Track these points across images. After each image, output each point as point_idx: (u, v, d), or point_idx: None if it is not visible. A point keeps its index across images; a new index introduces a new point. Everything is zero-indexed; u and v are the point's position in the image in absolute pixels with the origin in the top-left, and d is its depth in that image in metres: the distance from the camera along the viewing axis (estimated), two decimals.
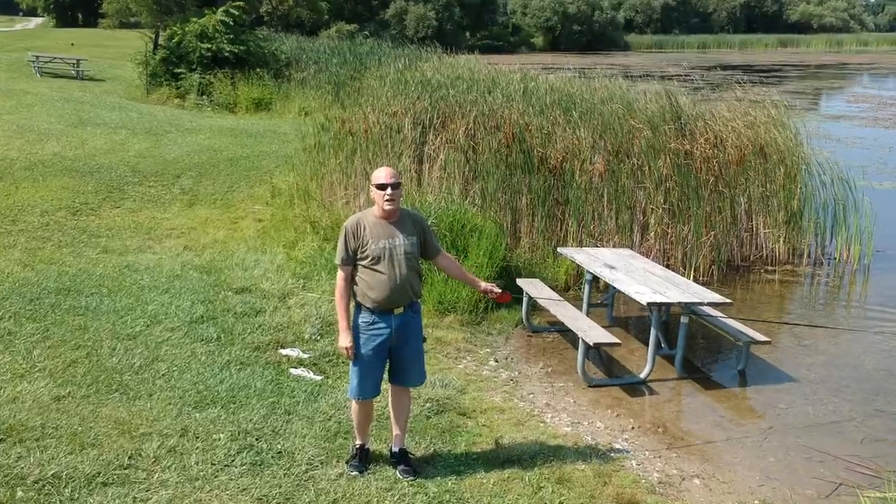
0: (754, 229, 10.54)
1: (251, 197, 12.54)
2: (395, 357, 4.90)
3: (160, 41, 27.09)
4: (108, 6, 33.01)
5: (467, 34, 67.32)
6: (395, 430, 5.10)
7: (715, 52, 77.07)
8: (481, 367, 6.94)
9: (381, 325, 4.77)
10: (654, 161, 9.83)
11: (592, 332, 6.69)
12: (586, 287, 8.11)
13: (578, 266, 8.64)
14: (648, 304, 6.58)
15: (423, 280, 5.06)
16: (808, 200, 11.01)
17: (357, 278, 4.78)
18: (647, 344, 7.18)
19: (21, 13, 78.08)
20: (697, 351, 7.78)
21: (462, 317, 7.81)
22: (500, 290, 5.20)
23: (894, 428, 6.21)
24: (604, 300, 8.48)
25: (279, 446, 5.16)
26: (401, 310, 4.81)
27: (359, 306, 4.83)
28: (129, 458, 4.89)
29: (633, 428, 6.05)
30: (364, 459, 5.02)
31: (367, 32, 30.02)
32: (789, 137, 11.23)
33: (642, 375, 6.88)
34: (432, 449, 5.32)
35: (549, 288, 8.03)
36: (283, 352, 6.76)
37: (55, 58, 29.70)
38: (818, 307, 9.32)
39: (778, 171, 10.66)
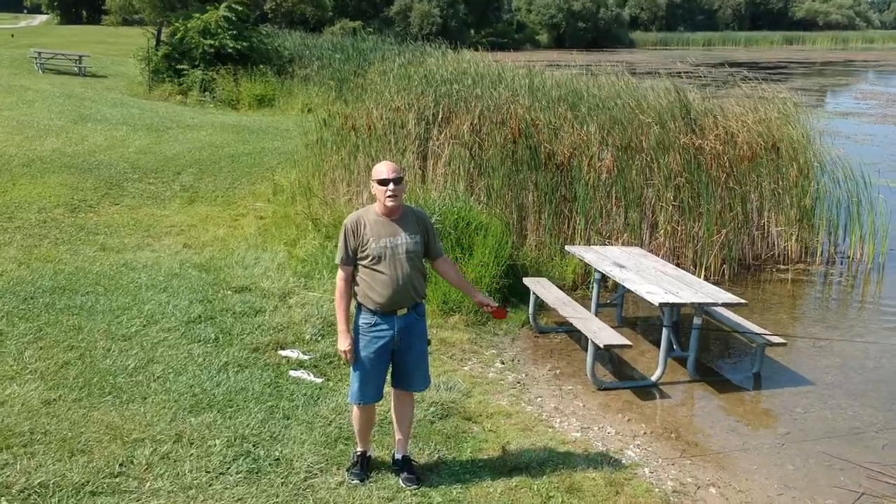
0: (766, 227, 10.31)
1: (252, 194, 12.34)
2: (397, 360, 4.68)
3: (163, 37, 26.90)
4: (112, 3, 32.80)
5: (472, 31, 67.07)
6: (398, 436, 4.89)
7: (720, 50, 76.71)
8: (487, 370, 6.73)
9: (384, 327, 4.56)
10: (663, 157, 9.59)
11: (602, 333, 6.47)
12: (595, 286, 7.89)
13: (586, 265, 8.44)
14: (661, 304, 6.36)
15: (427, 280, 4.82)
16: (821, 198, 10.77)
17: (358, 278, 4.56)
18: (657, 345, 6.97)
19: (25, 10, 78.11)
20: (710, 353, 7.56)
21: (467, 317, 7.59)
22: (496, 305, 4.93)
23: None
24: (613, 300, 8.26)
25: (277, 453, 4.96)
26: (404, 311, 4.59)
27: (360, 307, 4.62)
28: (121, 465, 4.69)
29: (644, 433, 5.82)
30: (365, 467, 4.81)
31: (371, 29, 29.78)
32: (801, 133, 11.00)
33: (654, 378, 6.66)
34: (436, 456, 5.10)
35: (556, 287, 7.81)
36: (283, 353, 6.55)
37: (57, 54, 29.54)
38: (832, 307, 9.07)
39: (790, 168, 10.41)
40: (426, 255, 4.70)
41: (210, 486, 4.57)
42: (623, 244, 9.23)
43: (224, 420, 5.31)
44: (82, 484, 4.46)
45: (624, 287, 7.16)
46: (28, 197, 11.08)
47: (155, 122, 17.89)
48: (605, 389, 6.53)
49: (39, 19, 70.89)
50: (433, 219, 7.74)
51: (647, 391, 6.59)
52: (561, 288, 7.99)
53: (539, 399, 6.25)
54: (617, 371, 7.08)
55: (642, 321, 8.34)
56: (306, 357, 6.50)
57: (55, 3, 70.48)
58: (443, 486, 4.75)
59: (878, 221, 10.57)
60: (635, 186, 9.52)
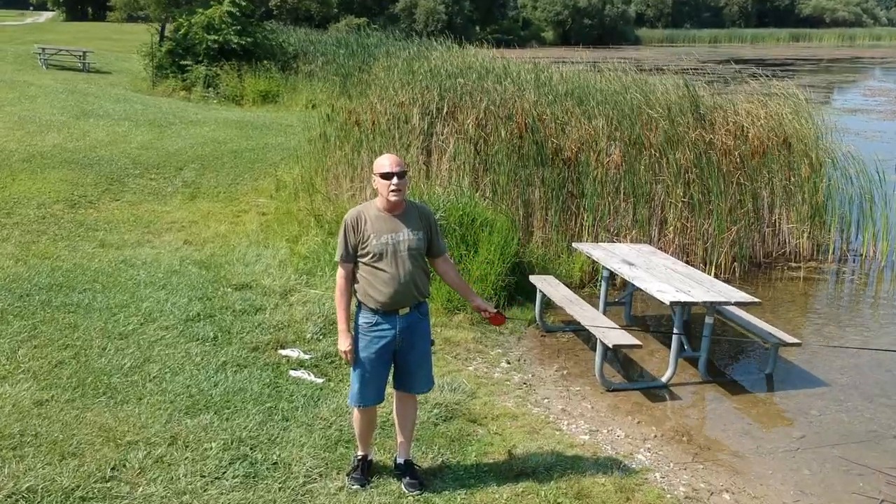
0: (777, 224, 10.11)
1: (255, 190, 12.18)
2: (399, 361, 4.50)
3: (166, 33, 26.76)
4: None
5: (477, 28, 66.79)
6: (400, 439, 4.71)
7: (726, 47, 76.35)
8: (492, 370, 6.55)
9: (385, 326, 4.38)
10: (672, 152, 9.40)
11: (611, 332, 6.28)
12: (603, 284, 7.71)
13: (594, 262, 8.25)
14: (672, 303, 6.17)
15: (430, 278, 4.64)
16: (833, 194, 10.57)
17: (358, 276, 4.39)
18: (667, 345, 6.79)
19: (31, 7, 78.12)
20: (722, 353, 7.37)
21: (472, 315, 7.39)
22: (494, 311, 4.72)
23: None
24: (621, 298, 8.07)
25: (275, 456, 4.78)
26: (406, 310, 4.41)
27: (360, 306, 4.44)
28: (113, 469, 4.52)
29: (655, 436, 5.64)
30: (366, 471, 4.64)
31: (376, 26, 29.62)
32: (812, 129, 10.79)
33: (664, 379, 6.48)
34: (440, 460, 4.93)
35: (563, 285, 7.62)
36: (283, 352, 6.38)
37: (61, 50, 29.43)
38: (845, 306, 8.87)
39: (802, 164, 10.21)
40: (428, 252, 4.51)
41: (205, 491, 4.40)
42: (631, 241, 9.04)
43: (221, 422, 5.14)
44: (72, 489, 4.29)
45: (633, 285, 6.97)
46: (27, 192, 10.93)
47: (158, 117, 17.73)
48: (614, 391, 6.35)
49: (45, 16, 70.87)
50: (437, 215, 7.57)
51: (657, 393, 6.41)
52: (568, 286, 7.80)
53: (546, 400, 6.07)
54: (626, 372, 6.90)
55: (652, 320, 8.16)
56: (307, 356, 6.33)
57: (60, 0, 70.41)
58: (446, 492, 4.58)
59: (892, 218, 10.36)
60: (644, 182, 9.33)
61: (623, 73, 12.25)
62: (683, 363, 6.76)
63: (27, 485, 4.27)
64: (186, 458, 4.69)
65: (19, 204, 10.40)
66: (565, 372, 6.70)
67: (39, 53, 28.42)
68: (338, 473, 4.67)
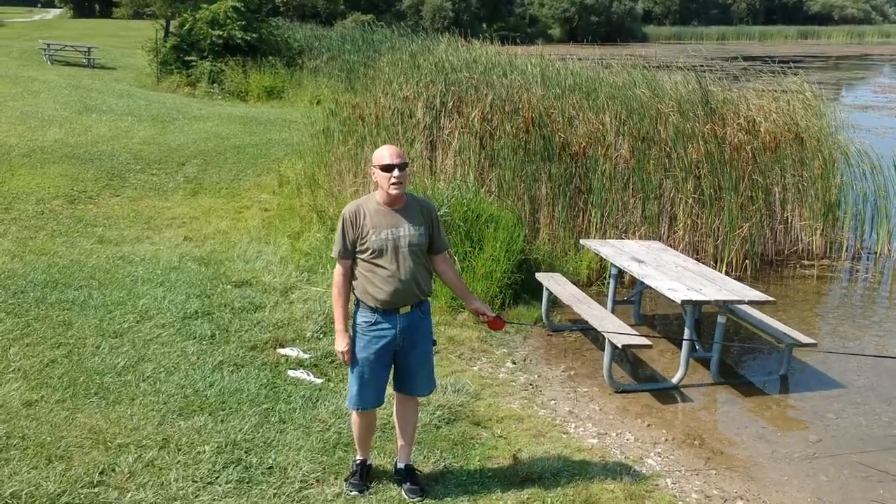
0: (789, 221, 9.88)
1: (258, 186, 12.01)
2: (400, 362, 4.31)
3: (171, 29, 26.60)
4: None
5: (484, 25, 66.51)
6: (401, 443, 4.52)
7: (734, 44, 75.78)
8: (497, 370, 6.35)
9: (385, 325, 4.18)
10: (682, 147, 9.18)
11: (620, 332, 6.07)
12: (611, 282, 7.51)
13: (602, 260, 8.05)
14: (683, 302, 5.96)
15: (432, 275, 4.44)
16: (846, 191, 10.34)
17: (357, 273, 4.19)
18: (678, 345, 6.59)
19: (39, 4, 78.15)
20: (734, 354, 7.16)
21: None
22: (493, 314, 4.47)
23: None
24: (630, 297, 7.86)
25: (271, 460, 4.60)
26: (407, 309, 4.21)
27: (359, 304, 4.24)
28: (101, 473, 4.34)
29: (666, 440, 5.44)
30: (365, 477, 4.45)
31: (382, 23, 29.45)
32: (825, 124, 10.56)
33: (675, 380, 6.27)
34: (442, 464, 4.74)
35: (570, 283, 7.42)
36: (282, 351, 6.20)
37: (66, 46, 29.30)
38: (859, 305, 8.64)
39: (814, 160, 9.98)
40: (429, 248, 4.30)
41: (196, 496, 4.21)
42: (640, 238, 8.84)
43: (215, 424, 4.96)
44: (58, 494, 4.12)
45: (642, 283, 6.77)
46: (27, 188, 10.78)
47: (161, 112, 17.58)
48: (622, 392, 6.15)
49: (53, 13, 70.82)
50: (441, 211, 7.39)
51: (667, 394, 6.20)
52: (575, 284, 7.60)
53: (553, 402, 5.87)
54: (635, 372, 6.69)
55: (662, 319, 7.96)
56: (306, 356, 6.15)
57: None
58: (448, 499, 4.39)
59: None
60: (653, 178, 9.11)
61: (632, 68, 12.03)
62: (695, 364, 6.56)
63: (10, 490, 4.10)
64: (178, 461, 4.51)
65: (18, 199, 10.25)
66: (572, 372, 6.50)
67: (44, 49, 28.30)
68: (335, 479, 4.48)
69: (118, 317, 6.64)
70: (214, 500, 4.21)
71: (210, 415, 5.07)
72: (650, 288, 6.58)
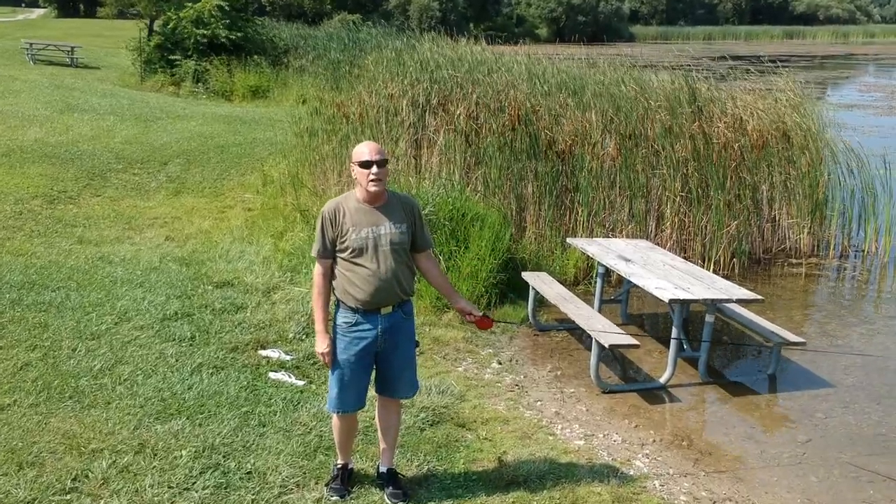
0: (777, 220, 9.83)
1: (241, 185, 11.88)
2: (382, 364, 4.20)
3: (155, 27, 26.38)
4: None
5: (471, 25, 66.47)
6: (383, 447, 4.41)
7: (721, 44, 75.88)
8: (483, 371, 6.25)
9: (366, 326, 4.07)
10: (670, 145, 9.10)
11: (607, 331, 5.99)
12: (598, 281, 7.42)
13: (589, 259, 7.97)
14: (671, 301, 5.88)
15: (415, 275, 4.33)
16: (834, 189, 10.30)
17: (337, 272, 4.08)
18: (665, 344, 6.51)
19: (23, 4, 77.50)
20: (722, 353, 7.08)
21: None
22: (480, 313, 4.34)
23: None
24: (617, 296, 7.78)
25: (249, 465, 4.48)
26: (389, 309, 4.10)
27: (339, 304, 4.13)
28: (74, 479, 4.21)
29: (653, 441, 5.35)
30: (346, 481, 4.33)
31: (370, 23, 29.30)
32: (812, 122, 10.52)
33: (662, 380, 6.19)
34: (426, 468, 4.63)
35: (557, 282, 7.33)
36: (263, 353, 6.08)
37: (49, 45, 29.01)
38: (847, 303, 8.59)
39: (801, 157, 9.93)
40: (412, 246, 4.19)
41: (172, 503, 4.09)
42: (628, 236, 8.75)
43: (193, 428, 4.83)
44: (29, 502, 3.99)
45: (630, 282, 6.69)
46: (5, 188, 10.59)
47: (144, 112, 17.41)
48: (610, 392, 6.06)
49: (37, 13, 70.20)
50: (426, 210, 7.29)
51: (655, 394, 6.12)
52: (562, 283, 7.51)
53: (539, 403, 5.77)
54: (623, 372, 6.61)
55: (649, 318, 7.88)
56: (288, 357, 6.03)
57: None
58: (432, 503, 4.29)
59: (894, 213, 10.09)
60: (641, 176, 9.04)
61: (619, 66, 11.96)
62: (682, 363, 6.48)
63: None
64: (154, 466, 4.38)
65: None
66: (559, 373, 6.40)
67: (27, 49, 28.01)
68: (316, 483, 4.37)
69: (96, 318, 6.50)
70: None
71: (188, 418, 4.95)
72: (637, 287, 6.50)
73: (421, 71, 10.76)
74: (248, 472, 4.41)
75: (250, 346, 6.19)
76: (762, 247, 9.65)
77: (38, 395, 5.13)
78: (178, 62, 23.51)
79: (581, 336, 6.99)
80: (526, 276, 7.40)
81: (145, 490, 4.17)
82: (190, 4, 23.57)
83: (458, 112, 9.28)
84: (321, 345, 4.09)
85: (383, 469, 4.40)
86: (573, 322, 6.44)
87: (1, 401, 5.01)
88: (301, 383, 5.63)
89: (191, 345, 6.12)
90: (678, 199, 9.01)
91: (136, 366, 5.67)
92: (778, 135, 9.79)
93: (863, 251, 10.10)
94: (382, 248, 4.00)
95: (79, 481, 4.21)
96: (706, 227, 9.05)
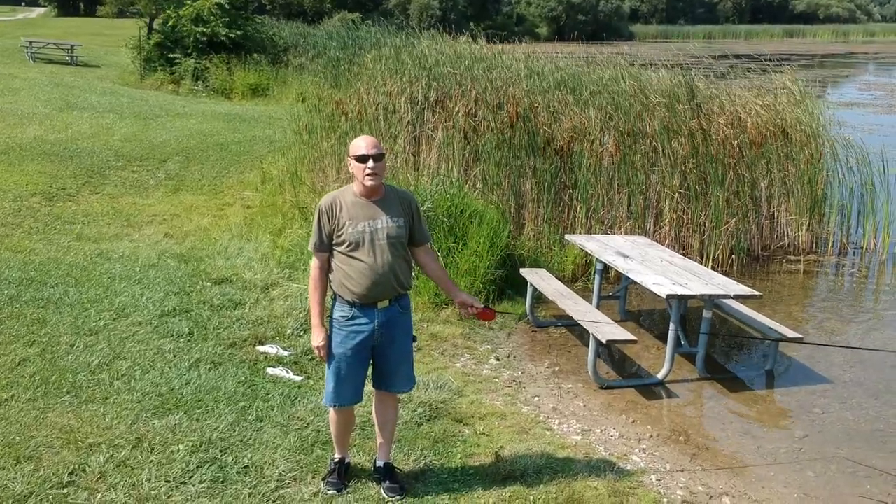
0: (776, 216, 9.83)
1: (241, 182, 11.88)
2: (378, 358, 4.20)
3: (155, 26, 26.38)
4: None
5: (471, 24, 66.49)
6: (380, 441, 4.41)
7: (721, 43, 75.89)
8: (481, 366, 6.26)
9: (362, 320, 4.08)
10: (669, 142, 9.10)
11: (605, 327, 5.99)
12: (597, 278, 7.42)
13: (587, 255, 7.97)
14: (668, 296, 5.88)
15: (413, 269, 4.34)
16: (833, 186, 10.30)
17: (333, 266, 4.08)
18: (663, 341, 6.51)
19: (24, 3, 77.51)
20: (720, 348, 7.08)
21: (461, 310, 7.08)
22: (481, 305, 4.34)
23: None
24: (615, 292, 7.78)
25: (246, 459, 4.49)
26: (385, 303, 4.11)
27: (336, 298, 4.14)
28: (71, 473, 4.22)
29: (651, 436, 5.35)
30: (343, 475, 4.34)
31: (370, 22, 29.29)
32: (812, 118, 10.52)
33: (660, 376, 6.19)
34: (423, 462, 4.64)
35: (555, 278, 7.33)
36: (261, 349, 6.09)
37: (49, 43, 29.02)
38: (846, 300, 8.58)
39: (801, 154, 9.93)
40: (410, 241, 4.20)
41: (169, 497, 4.10)
42: (626, 233, 8.75)
43: (190, 422, 4.84)
44: (25, 496, 3.99)
45: (628, 278, 6.69)
46: (3, 185, 10.60)
47: (144, 110, 17.42)
48: (607, 388, 6.06)
49: (37, 11, 70.19)
50: (424, 206, 7.29)
51: (652, 390, 6.12)
52: (560, 279, 7.52)
53: (536, 399, 5.78)
54: (620, 368, 6.61)
55: (647, 315, 7.88)
56: (286, 353, 6.03)
57: None
58: (429, 497, 4.30)
59: (893, 210, 10.09)
60: (639, 173, 9.04)
61: (617, 65, 11.95)
62: (680, 359, 6.49)
63: None
64: (151, 461, 4.39)
65: None
66: (557, 369, 6.41)
67: (27, 47, 28.02)
68: (313, 477, 4.37)
69: (94, 314, 6.50)
70: (188, 500, 4.09)
71: (185, 413, 4.95)
72: (636, 283, 6.51)
73: (419, 68, 10.75)
74: (245, 467, 4.42)
75: (248, 341, 6.20)
76: (761, 244, 9.66)
77: (36, 391, 5.14)
78: (177, 60, 23.50)
79: (579, 332, 6.99)
80: (524, 272, 7.41)
81: (142, 484, 4.17)
82: (189, 3, 23.57)
83: (457, 109, 9.28)
84: (316, 338, 4.10)
85: (380, 463, 4.40)
86: (571, 318, 6.44)
87: None
88: (299, 379, 5.63)
89: (189, 340, 6.12)
90: (677, 195, 9.01)
91: (133, 361, 5.67)
92: (777, 131, 9.79)
93: (861, 248, 10.10)
94: (379, 241, 4.01)
95: (76, 475, 4.22)
96: (705, 223, 9.06)
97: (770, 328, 6.44)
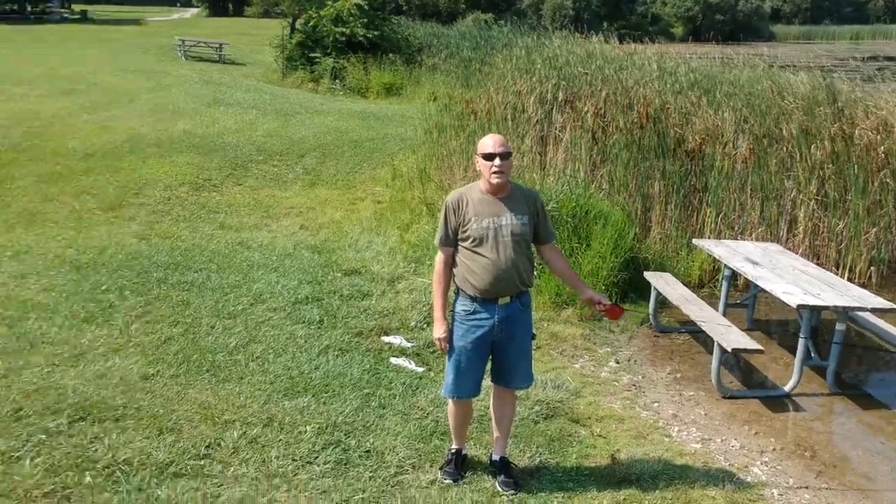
0: None
1: (372, 178, 12.23)
2: (498, 353, 4.29)
3: (297, 26, 27.44)
4: None
5: (605, 24, 65.63)
6: (497, 435, 4.51)
7: (869, 44, 71.71)
8: (600, 369, 6.25)
9: (483, 315, 4.18)
10: (807, 147, 8.76)
11: (731, 335, 5.86)
12: (724, 284, 7.26)
13: (715, 261, 7.80)
14: (799, 306, 5.70)
15: (535, 267, 4.40)
16: None
17: (458, 260, 4.21)
18: (792, 352, 6.30)
19: (178, 3, 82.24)
20: (853, 363, 6.78)
21: (582, 311, 7.10)
22: (609, 303, 4.34)
23: None
24: (744, 300, 7.57)
25: (368, 444, 4.68)
26: (507, 300, 4.19)
27: (459, 292, 4.26)
28: (207, 447, 4.53)
29: (773, 449, 5.21)
30: (460, 466, 4.46)
31: (502, 22, 29.43)
32: None
33: (787, 388, 6.00)
34: (538, 459, 4.70)
35: (680, 283, 7.22)
36: (386, 339, 6.31)
37: (200, 42, 30.70)
38: None
39: None
40: (535, 239, 4.28)
41: (295, 475, 4.34)
42: (757, 240, 8.49)
43: (318, 406, 5.09)
44: (166, 464, 4.32)
45: (757, 286, 6.51)
46: (155, 175, 11.33)
47: (285, 107, 18.16)
48: (730, 398, 5.93)
49: (191, 12, 74.38)
50: (549, 206, 7.32)
51: (778, 402, 5.94)
52: (686, 285, 7.39)
53: (656, 404, 5.73)
54: (745, 378, 6.45)
55: (776, 325, 7.63)
56: (409, 344, 6.23)
57: None
58: (542, 494, 4.35)
59: None
60: (774, 178, 8.74)
61: (754, 66, 11.59)
62: (809, 372, 6.27)
63: (124, 457, 4.33)
64: (280, 440, 4.65)
65: (147, 185, 10.79)
66: (678, 375, 6.32)
67: (179, 45, 29.75)
68: (431, 466, 4.52)
69: (233, 299, 6.90)
70: (312, 479, 4.31)
71: (313, 396, 5.21)
72: (765, 291, 6.33)
73: (549, 68, 10.77)
74: (366, 451, 4.61)
75: (374, 331, 6.43)
76: None
77: (179, 367, 5.52)
78: (317, 59, 24.36)
79: (703, 340, 6.86)
80: (648, 275, 7.33)
81: (271, 461, 4.43)
82: (330, 3, 24.40)
83: (586, 109, 9.25)
84: (438, 330, 4.23)
85: (496, 457, 4.49)
86: (695, 325, 6.34)
87: (146, 370, 5.42)
88: (420, 370, 5.80)
89: (319, 328, 6.41)
90: (813, 202, 8.66)
91: (267, 345, 6.00)
92: None
93: None
94: (503, 238, 4.09)
95: (212, 448, 4.53)
96: (842, 233, 8.67)
97: None
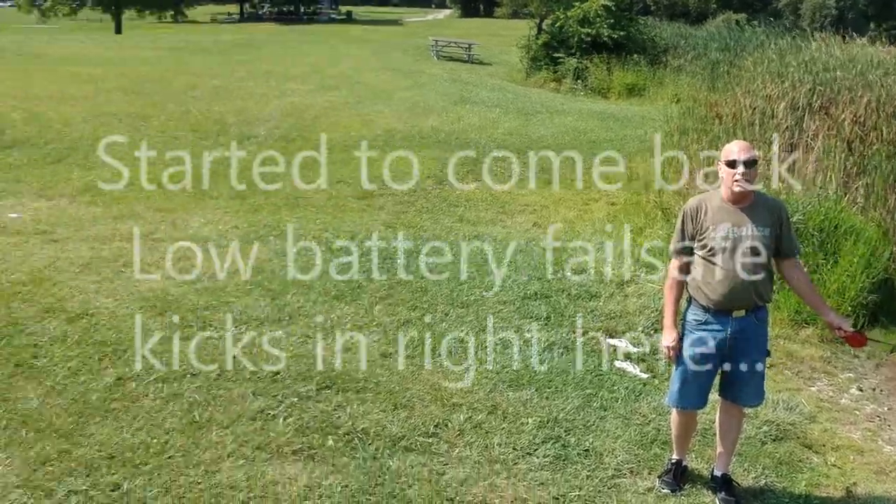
0: None
1: (605, 179, 12.18)
2: (727, 367, 4.19)
3: (544, 26, 27.81)
4: None
5: (871, 24, 60.25)
6: (720, 451, 4.41)
7: None
8: (839, 395, 5.87)
9: (715, 326, 4.10)
10: None
11: None
12: None
13: None
14: None
15: (774, 282, 4.24)
16: None
17: (693, 269, 4.16)
18: None
19: (433, 4, 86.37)
20: None
21: (823, 332, 6.68)
22: (851, 329, 4.07)
23: None
24: None
25: (588, 443, 4.76)
26: (741, 313, 4.08)
27: (691, 301, 4.21)
28: (436, 426, 4.82)
29: None
30: (679, 477, 4.42)
31: (755, 22, 27.94)
32: None
33: None
34: (763, 481, 4.54)
35: None
36: (611, 342, 6.32)
37: (451, 42, 32.04)
38: None
39: None
40: (776, 252, 4.12)
41: (515, 464, 4.51)
42: None
43: (540, 400, 5.23)
44: (399, 437, 4.66)
45: None
46: (405, 168, 12.01)
47: (526, 106, 18.52)
48: None
49: (444, 13, 77.83)
50: (794, 217, 6.96)
51: None
52: None
53: None
54: None
55: None
56: (634, 349, 6.20)
57: None
58: None
59: None
60: None
61: None
62: None
63: (362, 426, 4.73)
64: (503, 428, 4.85)
65: (396, 177, 11.47)
66: None
67: (433, 45, 31.24)
68: (649, 473, 4.51)
69: (467, 289, 7.21)
70: (531, 469, 4.46)
71: (536, 390, 5.36)
72: None
73: (805, 72, 10.16)
74: (585, 450, 4.69)
75: (600, 333, 6.47)
76: None
77: (414, 349, 5.89)
78: (561, 60, 24.57)
79: None
80: None
81: (493, 447, 4.64)
82: (578, 4, 24.50)
83: (843, 116, 8.65)
84: (667, 339, 4.21)
85: (718, 473, 4.40)
86: None
87: (385, 349, 5.85)
88: (645, 376, 5.77)
89: (546, 324, 6.55)
90: None
91: (496, 336, 6.23)
92: None
93: None
94: (742, 249, 3.99)
95: (440, 428, 4.81)
96: None
97: None
